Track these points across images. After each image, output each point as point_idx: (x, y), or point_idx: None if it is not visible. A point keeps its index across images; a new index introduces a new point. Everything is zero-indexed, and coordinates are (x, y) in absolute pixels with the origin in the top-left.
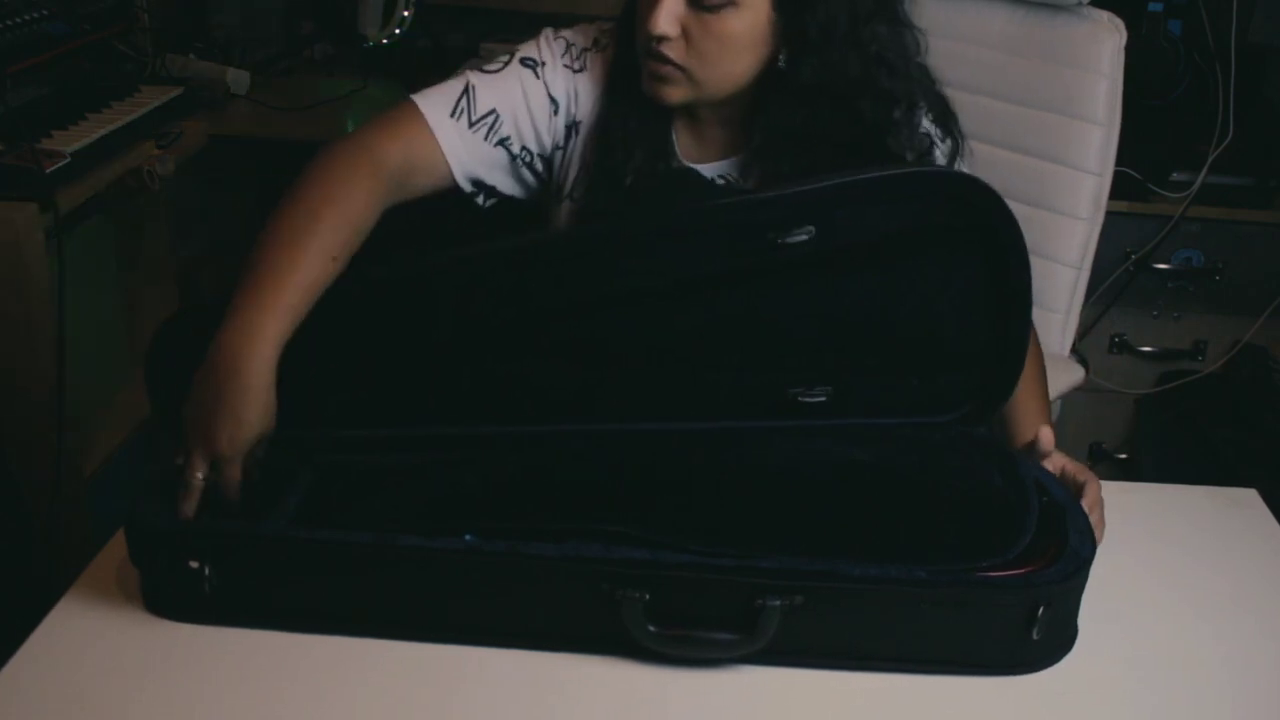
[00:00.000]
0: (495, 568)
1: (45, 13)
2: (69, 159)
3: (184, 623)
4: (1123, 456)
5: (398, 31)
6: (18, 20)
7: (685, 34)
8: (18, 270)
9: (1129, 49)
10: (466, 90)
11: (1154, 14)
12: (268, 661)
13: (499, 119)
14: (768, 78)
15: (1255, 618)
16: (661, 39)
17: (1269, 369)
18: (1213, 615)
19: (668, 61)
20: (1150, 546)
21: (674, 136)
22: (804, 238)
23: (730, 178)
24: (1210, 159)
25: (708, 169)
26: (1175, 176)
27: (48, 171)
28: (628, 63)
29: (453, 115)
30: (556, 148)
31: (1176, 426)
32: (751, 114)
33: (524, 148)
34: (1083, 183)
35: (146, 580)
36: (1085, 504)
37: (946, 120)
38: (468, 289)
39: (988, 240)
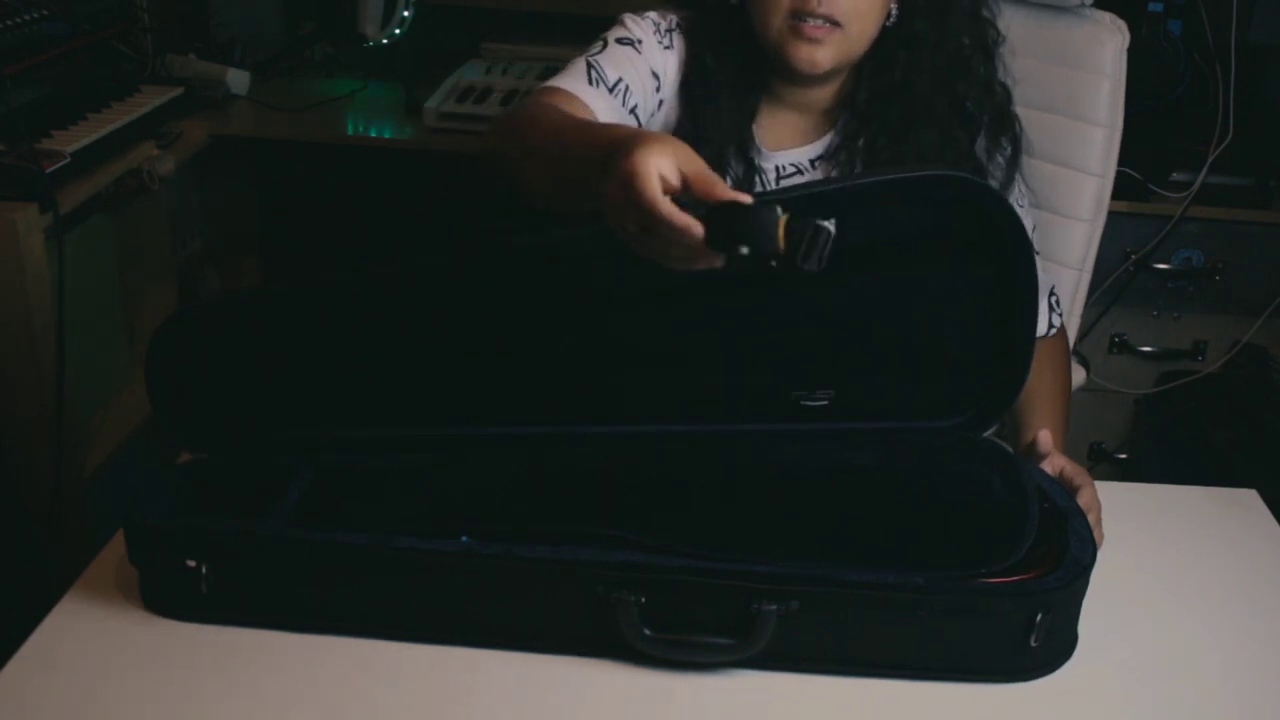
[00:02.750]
0: (491, 570)
1: (45, 13)
2: (69, 159)
3: (182, 621)
4: (1123, 456)
5: (398, 31)
6: (18, 20)
7: None
8: (18, 270)
9: (1129, 49)
10: (590, 66)
11: (1154, 14)
12: (264, 661)
13: (628, 88)
14: (876, 42)
15: (1256, 618)
16: None
17: (1269, 369)
18: (1213, 616)
19: (826, 20)
20: (1150, 547)
21: (754, 128)
22: None
23: (802, 167)
24: (1210, 159)
25: (785, 157)
26: (1175, 176)
27: (48, 171)
28: (708, 57)
29: (591, 84)
30: (651, 119)
31: (1176, 426)
32: (835, 95)
33: (638, 120)
34: (1085, 184)
35: (145, 579)
36: (1080, 505)
37: (1012, 120)
38: (469, 291)
39: (998, 250)
